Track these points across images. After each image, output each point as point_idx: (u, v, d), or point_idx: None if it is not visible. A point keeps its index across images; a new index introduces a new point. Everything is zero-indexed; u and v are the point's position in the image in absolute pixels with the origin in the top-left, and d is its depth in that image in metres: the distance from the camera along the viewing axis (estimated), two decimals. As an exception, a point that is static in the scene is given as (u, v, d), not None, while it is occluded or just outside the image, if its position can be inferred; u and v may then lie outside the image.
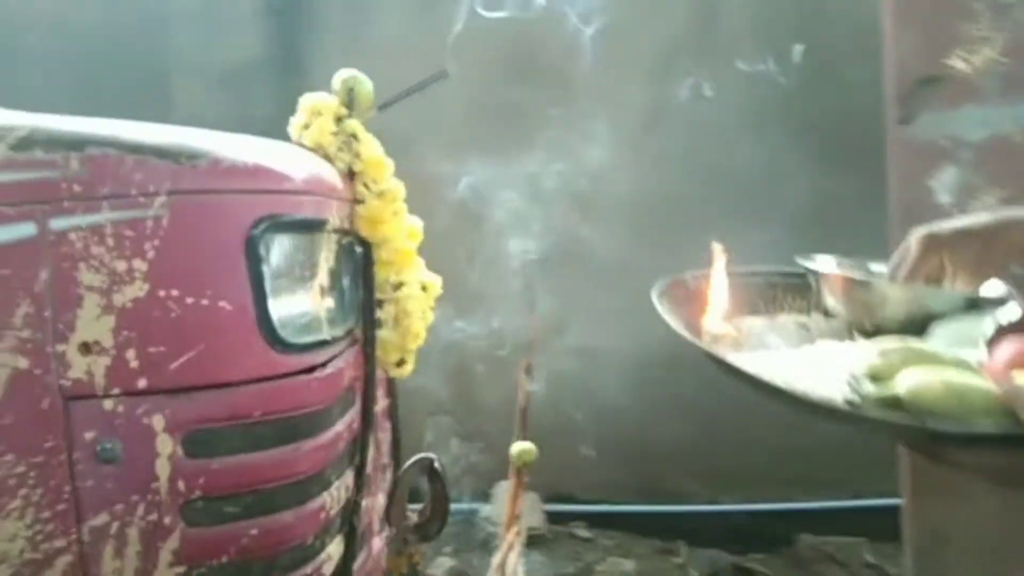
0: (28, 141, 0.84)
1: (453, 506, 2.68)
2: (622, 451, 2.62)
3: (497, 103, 2.54)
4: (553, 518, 2.78)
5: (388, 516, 0.70)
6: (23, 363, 0.83)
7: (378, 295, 1.11)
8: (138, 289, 0.85)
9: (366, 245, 1.09)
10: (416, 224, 1.18)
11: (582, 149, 2.71)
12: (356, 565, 1.08)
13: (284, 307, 0.93)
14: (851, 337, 1.04)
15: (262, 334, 0.90)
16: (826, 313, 1.12)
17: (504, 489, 2.81)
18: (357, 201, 1.08)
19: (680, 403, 2.51)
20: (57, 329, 0.83)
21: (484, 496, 2.67)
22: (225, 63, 2.56)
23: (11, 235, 0.82)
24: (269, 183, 0.92)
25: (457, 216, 2.17)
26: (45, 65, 2.61)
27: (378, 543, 1.18)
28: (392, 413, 1.26)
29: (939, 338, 0.94)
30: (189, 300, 0.86)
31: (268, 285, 0.90)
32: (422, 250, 1.23)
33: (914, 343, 0.89)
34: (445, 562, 2.59)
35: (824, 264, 1.15)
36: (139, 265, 0.85)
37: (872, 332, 1.04)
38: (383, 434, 1.21)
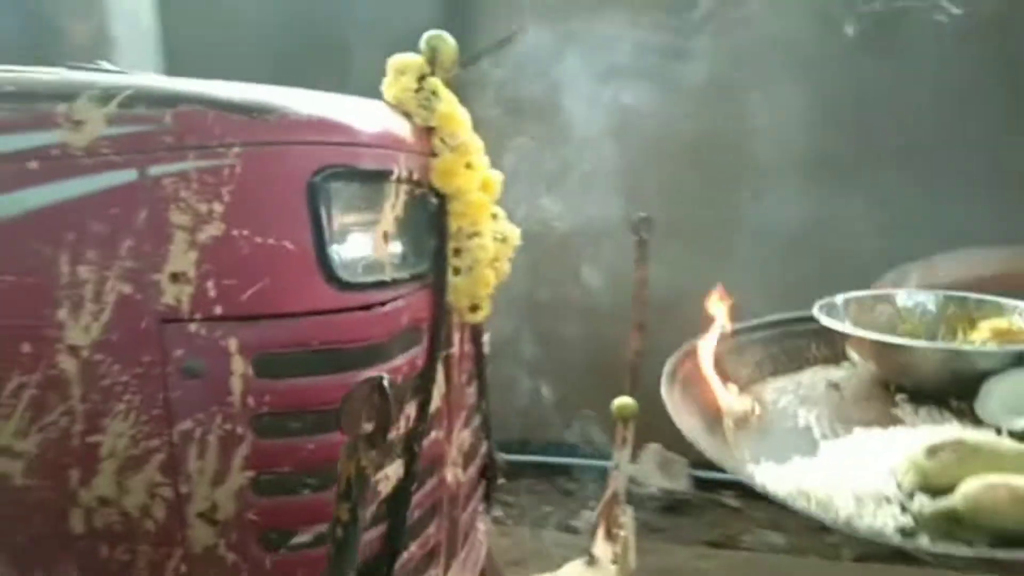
0: (133, 99, 0.98)
1: (602, 463, 2.73)
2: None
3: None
4: (701, 484, 2.75)
5: (340, 426, 0.78)
6: (128, 289, 0.99)
7: (454, 244, 1.18)
8: (216, 228, 0.97)
9: (440, 196, 1.16)
10: (495, 177, 1.23)
11: (734, 94, 2.61)
12: (424, 490, 1.18)
13: (344, 249, 1.03)
14: (891, 395, 0.96)
15: (321, 272, 1.00)
16: (855, 364, 1.05)
17: (651, 452, 2.82)
18: (432, 155, 1.16)
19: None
20: (154, 261, 0.98)
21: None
22: (400, 30, 2.72)
23: (119, 180, 0.98)
24: (332, 136, 1.02)
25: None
26: (234, 37, 2.91)
27: (454, 474, 1.27)
28: (478, 360, 1.34)
29: (994, 398, 0.88)
30: (258, 239, 0.98)
31: (327, 228, 1.00)
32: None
33: (967, 435, 0.83)
34: (588, 515, 2.66)
35: (843, 317, 1.05)
36: (217, 208, 0.97)
37: (911, 390, 0.96)
38: (464, 376, 1.28)
